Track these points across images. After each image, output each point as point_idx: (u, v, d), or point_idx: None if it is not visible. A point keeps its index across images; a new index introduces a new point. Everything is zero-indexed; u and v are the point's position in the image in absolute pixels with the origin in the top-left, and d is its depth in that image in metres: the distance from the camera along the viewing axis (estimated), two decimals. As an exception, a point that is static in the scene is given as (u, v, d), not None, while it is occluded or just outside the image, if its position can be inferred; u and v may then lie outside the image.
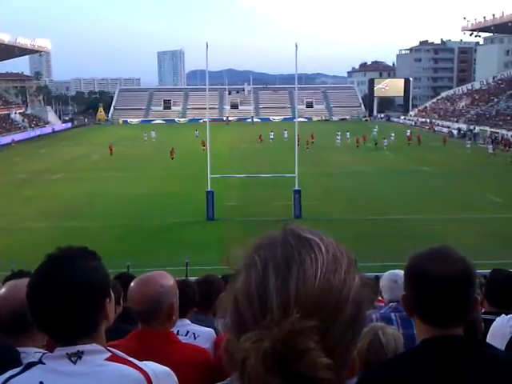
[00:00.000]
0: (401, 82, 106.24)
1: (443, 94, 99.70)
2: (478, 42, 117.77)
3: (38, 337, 2.02)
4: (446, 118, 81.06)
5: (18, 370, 1.51)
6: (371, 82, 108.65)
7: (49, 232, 21.82)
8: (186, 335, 2.87)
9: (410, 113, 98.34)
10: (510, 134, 58.70)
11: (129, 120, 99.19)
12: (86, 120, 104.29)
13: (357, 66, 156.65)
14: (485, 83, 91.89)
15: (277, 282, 0.79)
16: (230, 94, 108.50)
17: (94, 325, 1.56)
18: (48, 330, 1.55)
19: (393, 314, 3.11)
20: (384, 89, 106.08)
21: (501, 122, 66.66)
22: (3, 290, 2.11)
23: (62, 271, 1.51)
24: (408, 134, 58.68)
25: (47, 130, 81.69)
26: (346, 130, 60.20)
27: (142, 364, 1.60)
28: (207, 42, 26.21)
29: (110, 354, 1.56)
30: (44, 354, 1.56)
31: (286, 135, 57.73)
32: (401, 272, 3.08)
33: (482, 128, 65.83)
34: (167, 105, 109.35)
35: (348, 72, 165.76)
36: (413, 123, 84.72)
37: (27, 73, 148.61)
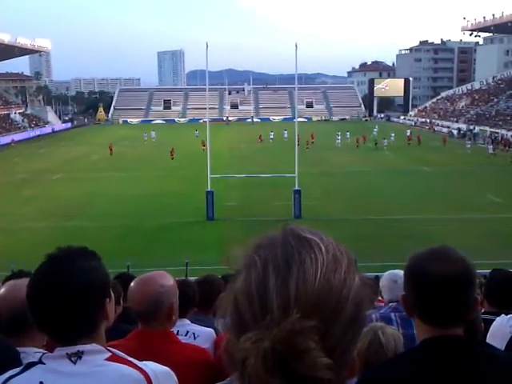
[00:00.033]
0: (401, 82, 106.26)
1: (443, 94, 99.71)
2: (477, 42, 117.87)
3: (38, 337, 2.02)
4: (446, 118, 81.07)
5: (18, 369, 1.51)
6: (371, 82, 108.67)
7: (49, 232, 21.82)
8: (185, 335, 2.87)
9: (410, 113, 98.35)
10: (509, 133, 58.71)
11: (129, 120, 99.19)
12: (85, 120, 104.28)
13: (357, 66, 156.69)
14: (485, 83, 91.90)
15: (277, 281, 0.79)
16: (230, 94, 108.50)
17: (94, 325, 1.56)
18: (48, 330, 1.55)
19: (392, 314, 3.11)
20: (384, 89, 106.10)
21: (500, 122, 66.67)
22: (3, 289, 2.10)
23: (62, 271, 1.51)
24: (408, 134, 58.69)
25: (47, 130, 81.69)
26: (346, 130, 60.20)
27: (142, 364, 1.60)
28: (207, 42, 26.24)
29: (109, 354, 1.56)
30: (44, 353, 1.56)
31: (285, 135, 57.74)
32: (400, 272, 3.08)
33: (481, 128, 65.84)
34: (167, 105, 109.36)
35: (348, 72, 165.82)
36: (413, 123, 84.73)
37: (27, 73, 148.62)
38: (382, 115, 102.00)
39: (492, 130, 63.55)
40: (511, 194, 28.47)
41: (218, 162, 33.21)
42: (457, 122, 75.33)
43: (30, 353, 1.95)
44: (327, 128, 72.49)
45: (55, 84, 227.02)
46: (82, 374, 1.49)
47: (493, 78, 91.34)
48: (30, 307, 1.52)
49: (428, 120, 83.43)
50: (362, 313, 0.85)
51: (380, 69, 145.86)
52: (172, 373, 1.72)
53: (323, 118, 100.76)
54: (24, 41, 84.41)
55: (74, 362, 1.49)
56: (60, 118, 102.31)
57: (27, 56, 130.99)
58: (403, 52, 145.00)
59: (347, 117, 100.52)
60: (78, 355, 1.50)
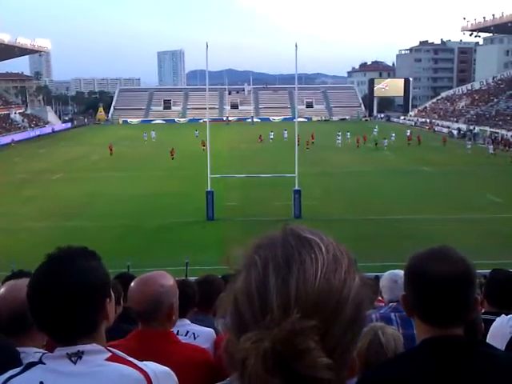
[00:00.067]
0: (401, 82, 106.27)
1: (443, 94, 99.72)
2: (477, 43, 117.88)
3: (38, 337, 2.02)
4: (446, 118, 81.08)
5: (18, 369, 1.51)
6: (371, 82, 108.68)
7: (49, 232, 21.82)
8: (185, 335, 2.87)
9: (410, 113, 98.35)
10: (509, 134, 58.71)
11: (129, 120, 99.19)
12: (85, 120, 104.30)
13: (357, 66, 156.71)
14: (484, 83, 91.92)
15: (277, 281, 0.79)
16: (229, 94, 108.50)
17: (94, 325, 1.56)
18: (48, 330, 1.55)
19: (393, 314, 3.11)
20: (384, 89, 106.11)
21: (500, 122, 66.68)
22: (3, 289, 2.10)
23: (62, 271, 1.51)
24: (408, 134, 58.71)
25: (47, 130, 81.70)
26: (346, 130, 60.20)
27: (142, 364, 1.60)
28: (207, 42, 26.24)
29: (110, 354, 1.56)
30: (44, 353, 1.56)
31: (285, 135, 57.74)
32: (401, 272, 3.08)
33: (481, 128, 65.85)
34: (167, 105, 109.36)
35: (348, 72, 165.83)
36: (413, 123, 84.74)
37: (27, 73, 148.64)
38: (382, 115, 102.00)
39: (492, 130, 63.56)
40: (511, 194, 28.47)
41: (218, 162, 33.21)
42: (457, 122, 75.34)
43: (30, 353, 1.95)
44: (327, 128, 72.49)
45: (55, 84, 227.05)
46: (82, 374, 1.49)
47: (493, 78, 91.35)
48: (30, 307, 1.52)
49: (428, 120, 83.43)
50: (362, 313, 0.85)
51: (380, 69, 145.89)
52: (172, 373, 1.72)
53: (323, 118, 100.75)
54: (24, 41, 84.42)
55: (74, 362, 1.50)
56: (60, 118, 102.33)
57: (27, 56, 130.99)
58: (403, 52, 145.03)
59: (347, 117, 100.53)
60: (78, 355, 1.50)
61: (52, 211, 26.62)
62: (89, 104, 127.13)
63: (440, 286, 1.54)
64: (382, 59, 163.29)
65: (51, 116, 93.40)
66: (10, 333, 2.02)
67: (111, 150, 49.08)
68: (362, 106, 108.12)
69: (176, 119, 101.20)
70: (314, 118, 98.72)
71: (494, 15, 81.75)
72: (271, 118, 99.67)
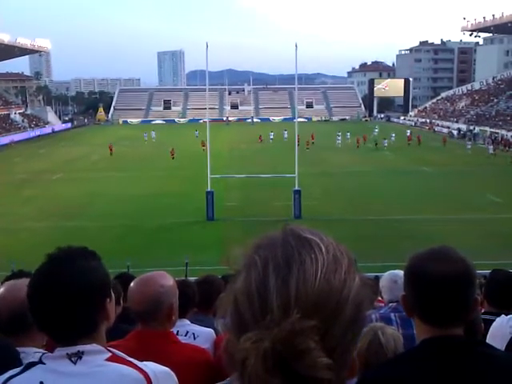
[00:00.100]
0: (401, 83, 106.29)
1: (443, 95, 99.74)
2: (477, 43, 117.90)
3: (38, 337, 2.02)
4: (446, 119, 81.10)
5: (18, 369, 1.51)
6: (371, 83, 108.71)
7: (49, 232, 21.82)
8: (185, 335, 2.87)
9: (410, 113, 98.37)
10: (509, 134, 58.72)
11: (129, 120, 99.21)
12: (85, 120, 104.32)
13: (357, 66, 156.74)
14: (484, 83, 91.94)
15: (277, 281, 0.79)
16: (229, 94, 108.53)
17: (95, 325, 1.57)
18: (48, 330, 1.55)
19: (392, 315, 3.11)
20: (384, 89, 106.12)
21: (500, 123, 66.69)
22: (2, 289, 2.11)
23: (62, 271, 1.51)
24: (408, 134, 58.73)
25: (47, 130, 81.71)
26: (346, 130, 60.21)
27: (142, 364, 1.60)
28: (207, 42, 26.24)
29: (110, 354, 1.56)
30: (44, 354, 1.56)
31: (285, 135, 57.74)
32: (400, 272, 3.08)
33: (481, 128, 65.87)
34: (167, 105, 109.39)
35: (348, 72, 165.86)
36: (413, 123, 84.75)
37: (27, 73, 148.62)
38: (382, 115, 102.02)
39: (492, 130, 63.57)
40: (511, 194, 28.48)
41: (218, 162, 33.21)
42: (457, 122, 75.36)
43: (30, 353, 1.96)
44: (327, 128, 72.51)
45: (55, 84, 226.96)
46: (82, 374, 1.49)
47: (493, 79, 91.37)
48: (30, 307, 1.52)
49: (428, 120, 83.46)
50: (362, 313, 0.85)
51: (380, 69, 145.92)
52: (172, 373, 1.72)
53: (323, 118, 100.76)
54: (24, 41, 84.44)
55: (75, 363, 1.50)
56: (60, 118, 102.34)
57: (27, 56, 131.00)
58: (403, 52, 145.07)
59: (347, 117, 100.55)
60: (79, 355, 1.50)
61: (52, 211, 26.62)
62: (89, 104, 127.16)
63: (440, 286, 1.54)
64: (382, 59, 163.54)
65: (51, 116, 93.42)
66: (10, 333, 2.02)
67: (111, 150, 49.10)
68: (362, 106, 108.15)
69: (176, 119, 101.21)
70: (314, 119, 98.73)
71: (494, 15, 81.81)
72: (271, 118, 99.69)
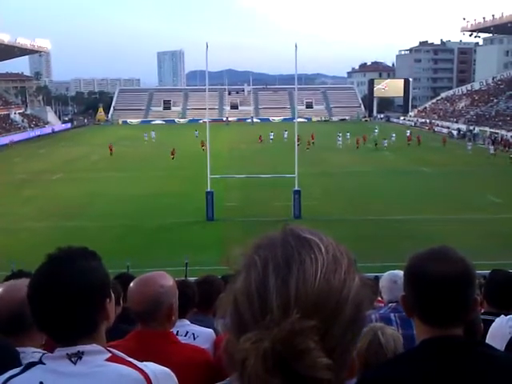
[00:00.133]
0: (400, 83, 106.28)
1: (443, 95, 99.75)
2: (477, 43, 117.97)
3: (37, 336, 2.02)
4: (446, 119, 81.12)
5: (18, 370, 1.52)
6: (371, 83, 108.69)
7: (49, 232, 21.82)
8: (185, 335, 2.87)
9: (410, 113, 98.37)
10: (509, 134, 58.72)
11: (128, 120, 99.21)
12: (85, 120, 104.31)
13: (356, 67, 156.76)
14: (484, 84, 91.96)
15: (277, 282, 0.79)
16: (229, 94, 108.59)
17: (95, 325, 1.57)
18: (48, 330, 1.55)
19: (392, 315, 3.11)
20: (384, 89, 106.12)
21: (500, 123, 66.70)
22: (1, 290, 2.10)
23: (62, 271, 1.51)
24: (408, 134, 58.74)
25: (47, 130, 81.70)
26: (346, 130, 60.22)
27: (142, 365, 1.60)
28: (207, 42, 26.29)
29: (110, 354, 1.56)
30: (44, 354, 1.57)
31: (285, 135, 57.73)
32: (400, 272, 3.08)
33: (481, 128, 65.88)
34: (167, 105, 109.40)
35: (348, 72, 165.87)
36: (412, 124, 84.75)
37: (27, 73, 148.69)
38: (382, 116, 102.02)
39: (492, 130, 63.57)
40: (511, 194, 28.48)
41: (217, 162, 33.21)
42: (456, 122, 75.37)
43: (29, 353, 1.96)
44: (327, 128, 72.53)
45: (55, 84, 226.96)
46: (82, 375, 1.49)
47: (492, 79, 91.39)
48: (30, 307, 1.52)
49: (428, 120, 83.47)
50: (362, 313, 0.85)
51: (380, 69, 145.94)
52: (172, 373, 1.72)
53: (323, 118, 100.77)
54: (24, 41, 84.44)
55: (74, 363, 1.50)
56: (60, 118, 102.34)
57: (27, 56, 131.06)
58: (403, 52, 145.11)
59: (347, 117, 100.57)
60: (78, 355, 1.50)
61: (52, 211, 26.62)
62: (88, 104, 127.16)
63: (440, 286, 1.54)
64: (382, 60, 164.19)
65: (51, 116, 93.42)
66: (9, 333, 2.02)
67: (111, 150, 49.10)
68: (362, 106, 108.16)
69: (176, 119, 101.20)
70: (314, 119, 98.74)
71: (493, 15, 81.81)
72: (271, 118, 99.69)
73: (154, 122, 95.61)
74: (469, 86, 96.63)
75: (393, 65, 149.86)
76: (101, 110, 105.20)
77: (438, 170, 38.24)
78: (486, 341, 2.72)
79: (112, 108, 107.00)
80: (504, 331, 2.83)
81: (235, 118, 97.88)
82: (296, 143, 28.54)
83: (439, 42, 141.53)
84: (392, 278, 3.51)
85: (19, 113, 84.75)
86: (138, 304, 2.33)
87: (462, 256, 1.60)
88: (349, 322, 0.81)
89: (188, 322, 3.03)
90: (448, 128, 72.68)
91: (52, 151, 54.98)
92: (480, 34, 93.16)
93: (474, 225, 22.79)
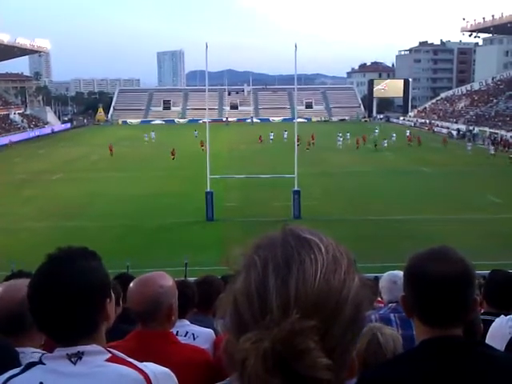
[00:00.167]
0: (400, 83, 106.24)
1: (442, 95, 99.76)
2: (477, 43, 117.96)
3: (36, 337, 2.02)
4: (446, 119, 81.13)
5: (18, 370, 1.52)
6: (371, 83, 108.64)
7: (49, 232, 21.82)
8: (185, 336, 2.87)
9: (410, 113, 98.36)
10: (509, 134, 58.73)
11: (128, 120, 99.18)
12: (85, 120, 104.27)
13: (356, 67, 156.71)
14: (484, 84, 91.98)
15: (276, 282, 0.79)
16: (229, 94, 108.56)
17: (95, 325, 1.57)
18: (48, 330, 1.55)
19: (392, 315, 3.11)
20: (383, 89, 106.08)
21: (500, 123, 66.70)
22: (0, 290, 2.11)
23: (62, 271, 1.51)
24: (407, 134, 58.71)
25: (46, 130, 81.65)
26: (345, 130, 60.22)
27: (142, 365, 1.60)
28: (207, 43, 26.28)
29: (110, 354, 1.56)
30: (44, 354, 1.57)
31: (285, 136, 57.71)
32: (400, 273, 3.08)
33: (481, 129, 65.89)
34: (167, 105, 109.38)
35: (347, 73, 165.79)
36: (412, 124, 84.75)
37: (27, 73, 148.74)
38: (382, 116, 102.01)
39: (491, 130, 63.59)
40: (511, 194, 28.49)
41: (217, 162, 33.19)
42: (456, 122, 75.38)
43: (28, 353, 1.96)
44: (327, 129, 72.53)
45: (55, 84, 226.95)
46: (81, 375, 1.49)
47: (492, 79, 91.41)
48: (30, 307, 1.52)
49: (427, 121, 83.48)
50: (362, 313, 0.85)
51: (379, 69, 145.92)
52: (172, 374, 1.72)
53: (323, 118, 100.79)
54: (23, 41, 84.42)
55: (74, 363, 1.50)
56: (59, 118, 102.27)
57: (27, 56, 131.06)
58: (403, 53, 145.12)
59: (347, 117, 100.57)
60: (78, 356, 1.50)
61: (52, 211, 26.62)
62: (88, 104, 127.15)
63: (439, 286, 1.54)
64: (382, 60, 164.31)
65: (51, 116, 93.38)
66: (8, 333, 2.02)
67: (111, 150, 49.09)
68: (362, 106, 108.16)
69: (175, 120, 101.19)
70: (314, 119, 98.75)
71: (493, 16, 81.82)
72: (271, 118, 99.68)
73: (153, 122, 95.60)
74: (468, 87, 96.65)
75: (392, 65, 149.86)
76: (100, 110, 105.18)
77: (438, 170, 38.24)
78: (486, 341, 2.72)
79: (112, 108, 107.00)
80: (504, 331, 2.83)
81: (235, 119, 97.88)
82: (296, 143, 28.53)
83: (439, 43, 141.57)
84: (392, 278, 3.51)
85: (19, 113, 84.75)
86: (137, 304, 2.33)
87: (461, 256, 1.60)
88: (348, 322, 0.81)
89: (188, 323, 3.02)
90: (448, 128, 72.69)
91: (52, 151, 54.97)
92: (480, 35, 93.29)
93: (474, 225, 22.80)
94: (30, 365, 1.52)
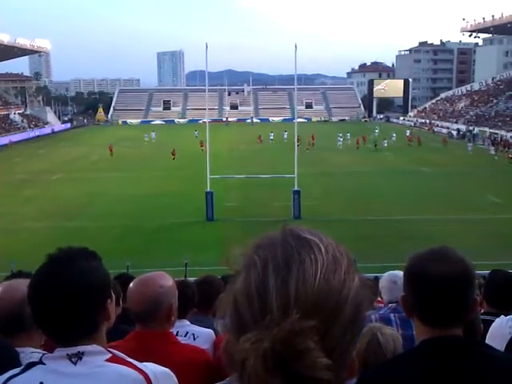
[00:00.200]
0: (400, 83, 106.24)
1: (442, 95, 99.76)
2: (477, 43, 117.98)
3: (36, 337, 2.02)
4: (446, 119, 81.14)
5: (18, 370, 1.52)
6: (370, 83, 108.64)
7: (49, 232, 21.82)
8: (185, 336, 2.87)
9: (410, 114, 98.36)
10: (509, 134, 58.73)
11: (128, 121, 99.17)
12: (85, 121, 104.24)
13: (356, 67, 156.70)
14: (484, 84, 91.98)
15: (276, 282, 0.79)
16: (229, 94, 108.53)
17: (95, 325, 1.57)
18: (49, 330, 1.55)
19: (392, 315, 3.11)
20: (383, 89, 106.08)
21: (500, 123, 66.70)
22: (0, 290, 2.10)
23: (62, 272, 1.51)
24: (408, 134, 58.70)
25: (46, 130, 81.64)
26: (346, 130, 60.22)
27: (142, 365, 1.60)
28: (207, 43, 26.27)
29: (110, 355, 1.56)
30: (44, 354, 1.57)
31: (285, 136, 57.70)
32: (400, 273, 3.08)
33: (481, 129, 65.89)
34: (167, 105, 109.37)
35: (347, 73, 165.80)
36: (412, 124, 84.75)
37: (27, 73, 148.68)
38: (382, 116, 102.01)
39: (491, 130, 63.59)
40: (511, 194, 28.49)
41: (217, 162, 33.18)
42: (456, 122, 75.38)
43: (28, 353, 1.95)
44: (327, 129, 72.52)
45: (55, 84, 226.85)
46: (82, 375, 1.49)
47: (492, 79, 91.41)
48: (30, 308, 1.52)
49: (427, 121, 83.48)
50: (362, 313, 0.85)
51: (379, 70, 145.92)
52: (172, 374, 1.72)
53: (323, 118, 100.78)
54: (23, 41, 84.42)
55: (75, 363, 1.50)
56: (59, 118, 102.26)
57: (27, 56, 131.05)
58: (403, 53, 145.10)
59: (347, 117, 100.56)
60: (79, 356, 1.50)
61: (52, 211, 26.62)
62: (88, 104, 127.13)
63: (439, 286, 1.54)
64: (382, 60, 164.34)
65: (51, 116, 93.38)
66: (8, 333, 2.02)
67: (111, 150, 49.08)
68: (362, 106, 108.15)
69: (175, 120, 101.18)
70: (314, 119, 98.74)
71: (493, 16, 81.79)
72: (271, 118, 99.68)
73: (153, 123, 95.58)
74: (468, 87, 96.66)
75: (392, 65, 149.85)
76: (100, 110, 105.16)
77: (438, 170, 38.24)
78: (486, 341, 2.72)
79: (112, 108, 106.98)
80: (504, 331, 2.83)
81: (235, 119, 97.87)
82: (296, 143, 28.53)
83: (439, 43, 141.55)
84: (392, 278, 3.51)
85: (19, 113, 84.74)
86: (137, 304, 2.33)
87: (461, 256, 1.60)
88: (348, 322, 0.81)
89: (188, 323, 3.02)
90: (448, 128, 72.69)
91: (52, 151, 54.97)
92: (480, 35, 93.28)
93: (474, 225, 22.80)
94: (30, 365, 1.52)
